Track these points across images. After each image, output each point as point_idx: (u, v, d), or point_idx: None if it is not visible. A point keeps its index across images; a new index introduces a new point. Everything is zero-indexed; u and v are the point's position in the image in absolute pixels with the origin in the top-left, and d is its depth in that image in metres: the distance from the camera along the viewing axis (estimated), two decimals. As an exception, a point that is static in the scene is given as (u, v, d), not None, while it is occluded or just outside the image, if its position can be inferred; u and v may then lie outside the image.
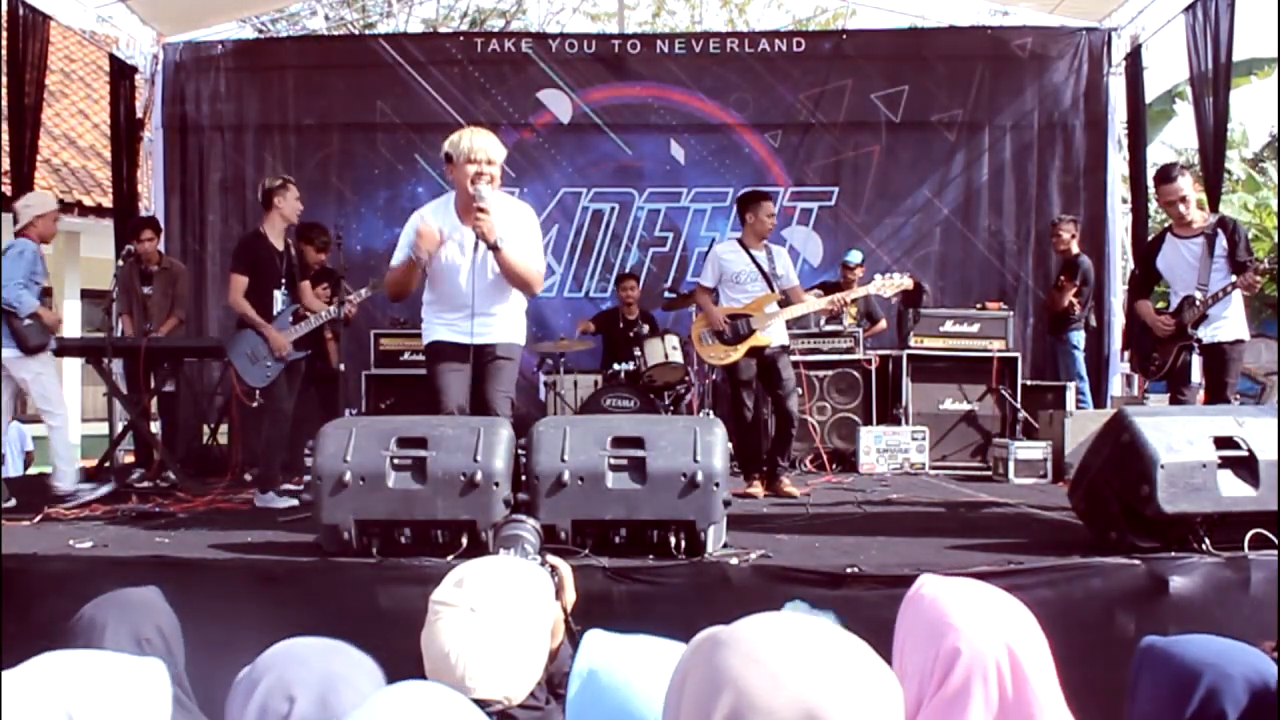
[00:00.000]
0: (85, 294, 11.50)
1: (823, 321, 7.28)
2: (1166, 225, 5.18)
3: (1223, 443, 3.42)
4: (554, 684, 1.66)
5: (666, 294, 7.46)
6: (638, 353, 7.03)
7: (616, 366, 7.17)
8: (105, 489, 5.11)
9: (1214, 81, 6.52)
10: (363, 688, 1.37)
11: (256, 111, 8.42)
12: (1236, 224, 4.94)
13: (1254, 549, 3.33)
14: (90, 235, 10.92)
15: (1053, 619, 3.23)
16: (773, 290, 5.56)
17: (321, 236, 6.38)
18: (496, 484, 3.41)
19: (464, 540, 3.43)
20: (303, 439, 5.41)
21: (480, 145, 3.83)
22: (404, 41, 8.78)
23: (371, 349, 7.32)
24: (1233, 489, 3.37)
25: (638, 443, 3.47)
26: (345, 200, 8.39)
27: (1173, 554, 3.34)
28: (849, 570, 3.26)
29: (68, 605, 1.89)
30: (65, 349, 6.87)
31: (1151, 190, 7.02)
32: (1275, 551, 3.30)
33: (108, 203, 9.28)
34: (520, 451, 3.60)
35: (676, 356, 6.95)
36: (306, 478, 4.77)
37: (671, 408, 7.11)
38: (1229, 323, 4.83)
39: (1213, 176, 6.66)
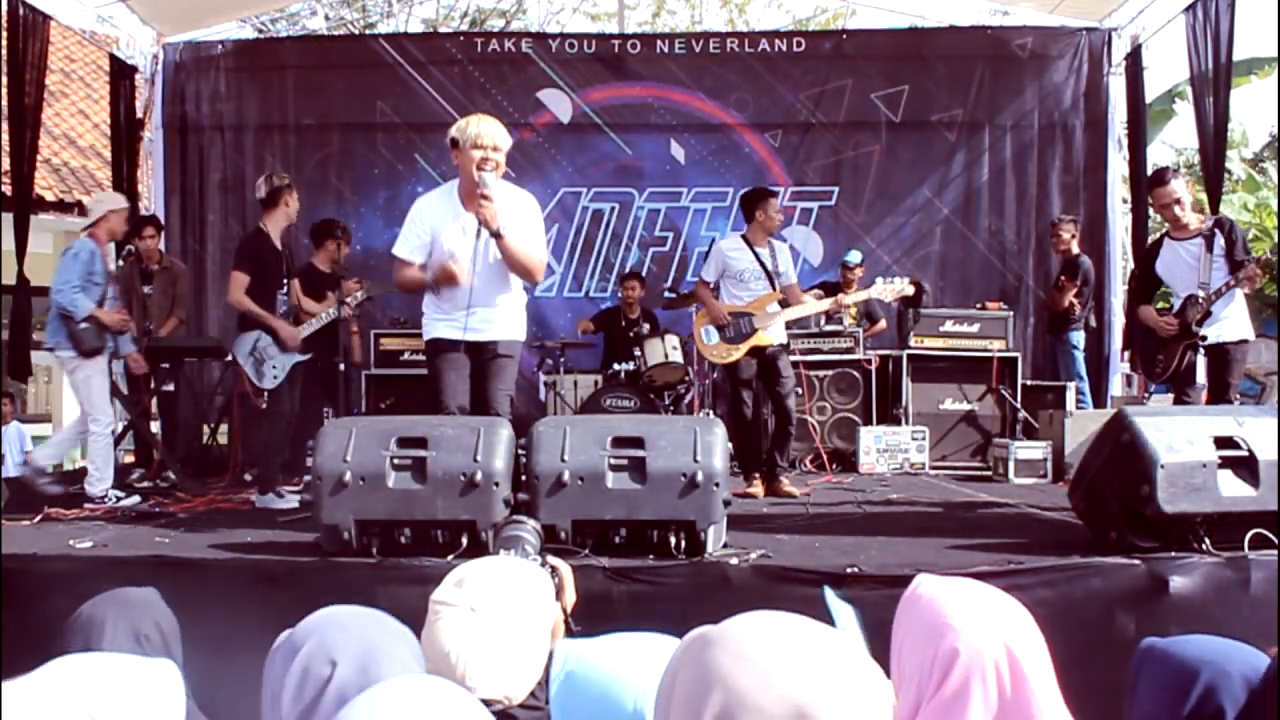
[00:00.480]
0: (85, 294, 11.48)
1: (822, 321, 7.28)
2: (1163, 230, 5.19)
3: (1223, 443, 3.42)
4: (550, 699, 1.66)
5: (666, 294, 7.45)
6: (638, 353, 7.03)
7: (616, 366, 7.17)
8: (133, 500, 5.11)
9: (1214, 81, 6.52)
10: (403, 658, 1.39)
11: (256, 111, 8.42)
12: (1234, 224, 4.95)
13: (1254, 549, 3.33)
14: (90, 235, 10.90)
15: (1053, 619, 3.23)
16: (774, 288, 5.56)
17: (344, 233, 6.42)
18: (496, 484, 3.41)
19: (464, 540, 3.43)
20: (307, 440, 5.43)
21: (487, 131, 3.83)
22: (404, 41, 8.78)
23: (371, 349, 7.32)
24: (1233, 489, 3.37)
25: (638, 443, 3.47)
26: (345, 200, 8.39)
27: (1173, 554, 3.35)
28: (849, 570, 3.26)
29: (68, 605, 1.89)
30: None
31: (1152, 190, 7.04)
32: (1275, 551, 3.30)
33: (108, 203, 9.27)
34: (520, 451, 3.60)
35: (676, 356, 6.95)
36: (307, 478, 4.78)
37: (671, 408, 7.11)
38: (1232, 322, 4.81)
39: (1213, 176, 6.66)
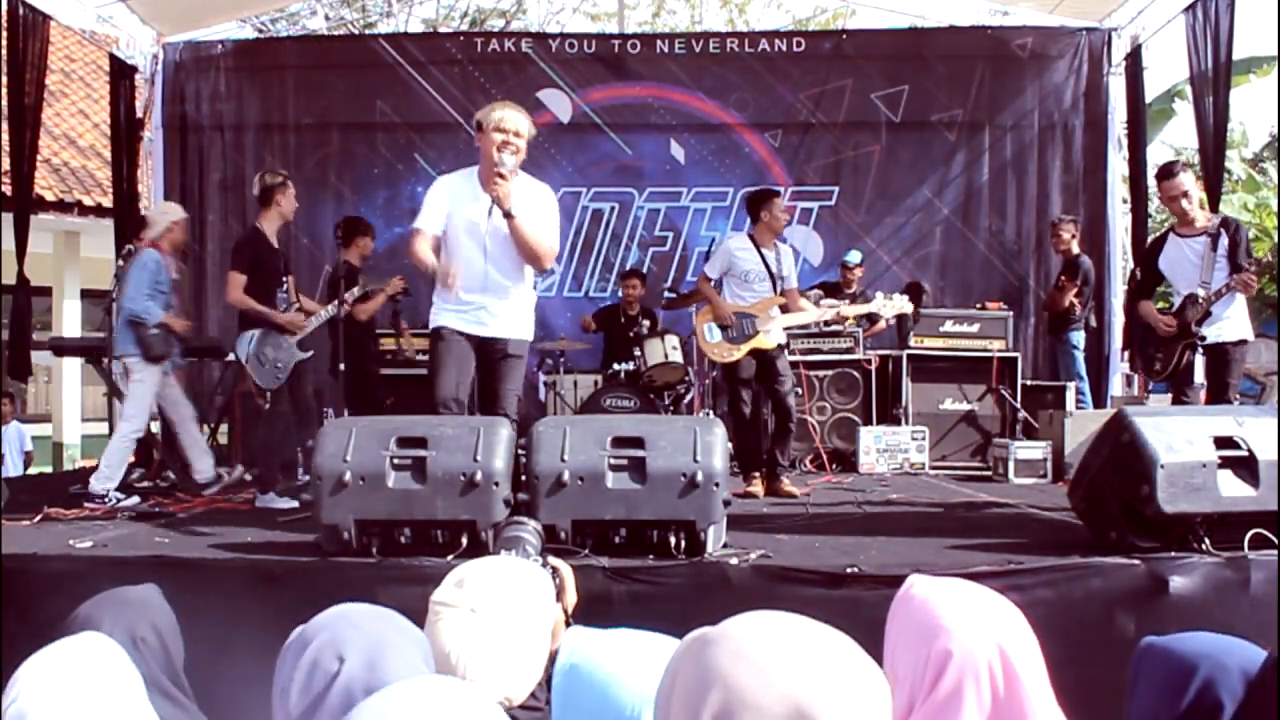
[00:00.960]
0: (85, 294, 11.51)
1: (822, 322, 7.27)
2: (1169, 225, 5.15)
3: (1223, 443, 3.42)
4: (552, 689, 1.66)
5: (667, 294, 7.46)
6: (637, 352, 7.03)
7: (616, 366, 7.18)
8: (132, 500, 5.12)
9: (1214, 81, 6.52)
10: (410, 656, 1.40)
11: (256, 111, 8.42)
12: (1240, 225, 4.89)
13: (1254, 549, 3.32)
14: (90, 235, 10.92)
15: (1053, 619, 3.24)
16: (776, 290, 5.56)
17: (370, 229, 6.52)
18: (496, 484, 3.41)
19: (464, 540, 3.43)
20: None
21: (510, 116, 3.92)
22: (404, 41, 8.79)
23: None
24: (1233, 489, 3.37)
25: (638, 443, 3.47)
26: (344, 200, 8.40)
27: (1173, 554, 3.34)
28: (849, 570, 3.26)
29: (68, 605, 1.89)
30: (65, 349, 6.89)
31: (1152, 190, 7.03)
32: (1275, 551, 3.30)
33: (108, 203, 9.27)
34: (520, 451, 3.60)
35: (676, 356, 6.95)
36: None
37: (671, 408, 7.11)
38: (1232, 322, 4.79)
39: (1213, 176, 6.66)
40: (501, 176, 3.83)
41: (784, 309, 5.56)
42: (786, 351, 5.76)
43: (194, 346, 6.64)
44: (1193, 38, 6.68)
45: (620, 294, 7.87)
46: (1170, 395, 5.23)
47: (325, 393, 6.22)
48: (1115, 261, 8.08)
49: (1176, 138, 16.88)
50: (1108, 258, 8.03)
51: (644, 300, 7.77)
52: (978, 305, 7.35)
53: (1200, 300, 4.75)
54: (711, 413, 6.96)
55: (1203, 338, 4.78)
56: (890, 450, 6.70)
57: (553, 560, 1.93)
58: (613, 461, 3.44)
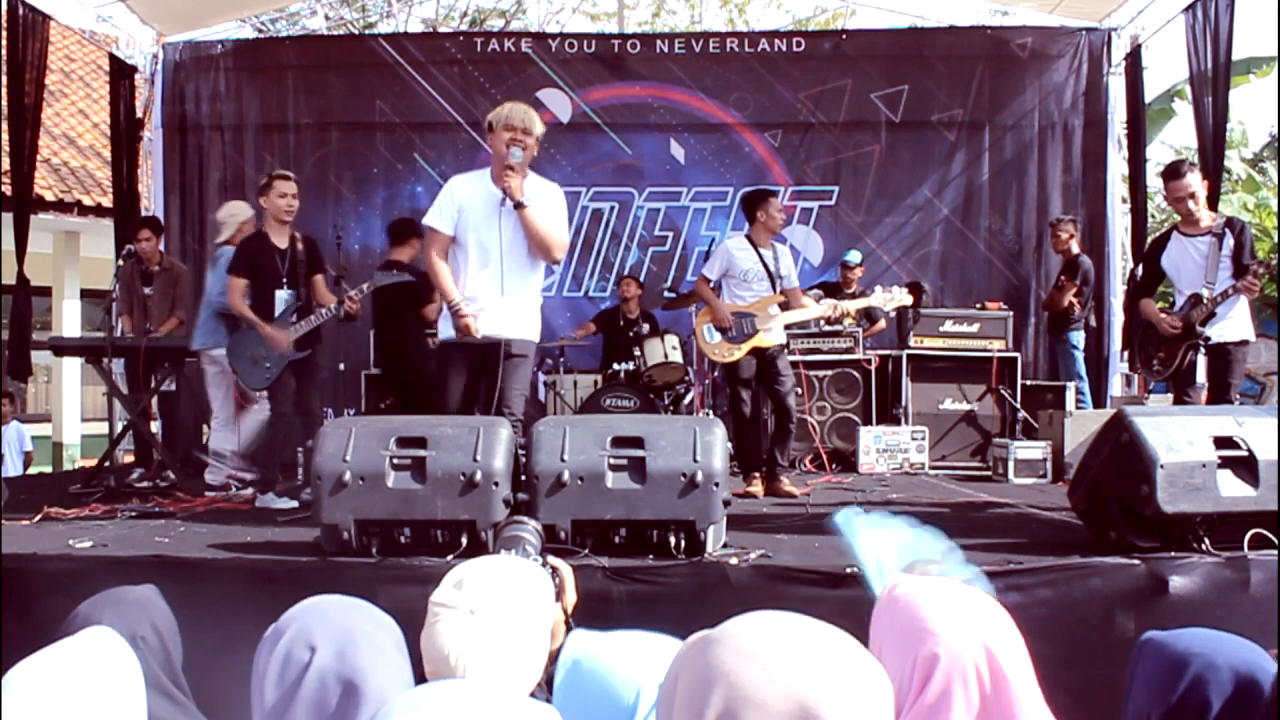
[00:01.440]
0: (85, 294, 11.51)
1: (822, 322, 7.27)
2: (1171, 224, 5.13)
3: (1222, 443, 3.42)
4: (554, 686, 1.66)
5: (666, 294, 7.45)
6: (637, 352, 7.03)
7: (616, 366, 7.18)
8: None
9: (1214, 81, 6.53)
10: (381, 644, 1.45)
11: (256, 111, 8.43)
12: (1245, 225, 4.87)
13: (1254, 549, 3.33)
14: (90, 235, 10.92)
15: (1053, 619, 3.24)
16: (775, 290, 5.56)
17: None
18: (496, 484, 3.41)
19: (463, 540, 3.44)
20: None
21: (519, 114, 4.11)
22: (404, 41, 8.78)
23: (371, 349, 7.32)
24: (1232, 489, 3.37)
25: (637, 443, 3.47)
26: (344, 199, 8.40)
27: (1172, 554, 3.34)
28: (849, 570, 3.26)
29: (68, 605, 1.89)
30: (65, 349, 6.89)
31: (1151, 190, 7.05)
32: (1275, 551, 3.30)
33: (108, 202, 9.28)
34: (520, 451, 3.60)
35: (676, 356, 6.95)
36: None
37: (671, 408, 7.11)
38: (1234, 323, 4.77)
39: (1213, 176, 6.65)
40: (511, 169, 4.00)
41: (784, 307, 5.56)
42: (786, 351, 5.76)
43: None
44: (1192, 38, 6.69)
45: (618, 296, 7.87)
46: (1172, 395, 5.22)
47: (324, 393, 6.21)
48: (1115, 261, 8.08)
49: (1176, 138, 16.89)
50: (1107, 257, 8.03)
51: (642, 302, 7.77)
52: (978, 305, 7.36)
53: (1206, 300, 4.74)
54: (711, 413, 6.96)
55: (1207, 338, 4.76)
56: (890, 450, 6.70)
57: (553, 560, 1.92)
58: (613, 461, 3.44)
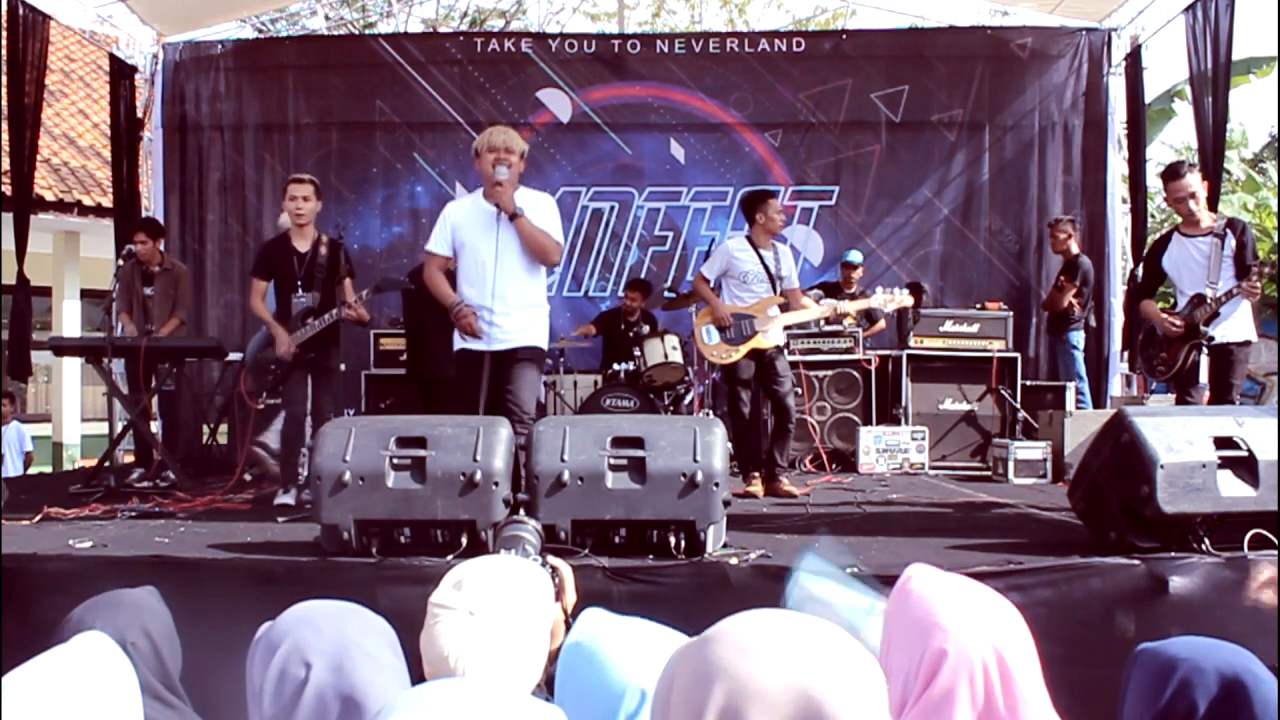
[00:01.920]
0: (85, 294, 11.52)
1: (822, 322, 7.27)
2: (1172, 225, 5.13)
3: (1222, 443, 3.42)
4: (554, 686, 1.66)
5: (666, 294, 7.46)
6: (637, 352, 7.03)
7: (616, 366, 7.17)
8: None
9: (1214, 81, 6.52)
10: (376, 652, 1.42)
11: (256, 111, 8.42)
12: (1246, 226, 4.86)
13: (1254, 549, 3.32)
14: (90, 235, 10.92)
15: (1053, 619, 3.24)
16: (775, 291, 5.56)
17: None
18: (496, 484, 3.42)
19: (463, 540, 3.44)
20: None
21: (498, 136, 4.37)
22: (403, 41, 8.78)
23: (371, 349, 7.32)
24: (1232, 489, 3.37)
25: (637, 443, 3.48)
26: (343, 199, 8.38)
27: (1172, 554, 3.34)
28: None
29: (68, 605, 1.89)
30: (65, 349, 6.89)
31: (1151, 190, 7.04)
32: (1275, 551, 3.30)
33: (108, 202, 9.28)
34: (520, 451, 3.60)
35: (676, 356, 6.95)
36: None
37: (671, 408, 7.11)
38: (1237, 323, 4.77)
39: (1212, 176, 6.64)
40: (499, 184, 4.21)
41: (784, 308, 5.57)
42: (786, 352, 5.76)
43: (194, 347, 6.63)
44: (1192, 38, 6.68)
45: (621, 298, 7.87)
46: (1174, 396, 5.21)
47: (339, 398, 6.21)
48: (1115, 261, 8.07)
49: (1176, 138, 16.90)
50: (1107, 258, 8.03)
51: (644, 307, 7.78)
52: (978, 305, 7.36)
53: (1209, 301, 4.73)
54: (711, 413, 6.96)
55: (1210, 338, 4.74)
56: (890, 450, 6.70)
57: (552, 560, 1.92)
58: (613, 461, 3.45)
